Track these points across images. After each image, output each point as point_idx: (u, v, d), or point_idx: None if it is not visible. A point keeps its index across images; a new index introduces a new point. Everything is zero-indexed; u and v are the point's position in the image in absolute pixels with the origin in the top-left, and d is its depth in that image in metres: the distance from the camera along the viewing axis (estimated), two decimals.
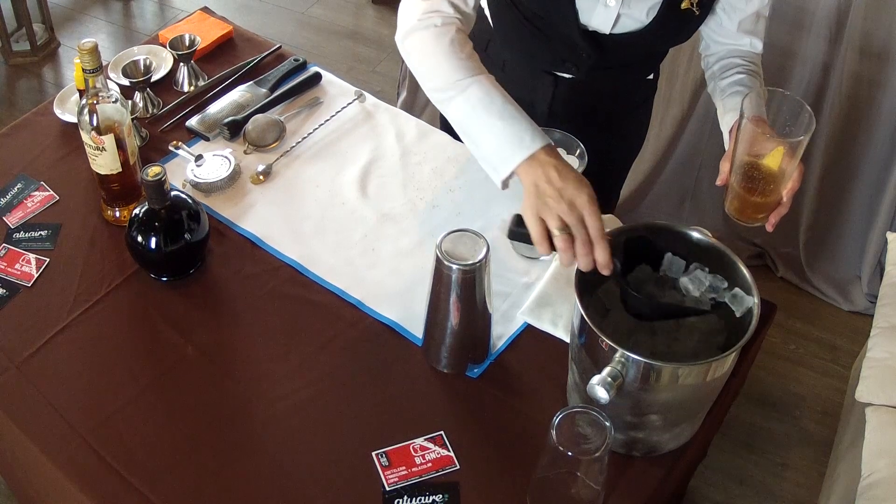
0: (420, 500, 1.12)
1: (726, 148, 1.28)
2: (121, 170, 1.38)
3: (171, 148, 1.55)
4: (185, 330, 1.30)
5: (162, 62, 1.71)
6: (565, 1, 1.30)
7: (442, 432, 1.19)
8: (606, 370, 1.03)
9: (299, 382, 1.24)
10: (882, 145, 2.28)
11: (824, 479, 1.97)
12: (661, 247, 1.17)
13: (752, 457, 2.13)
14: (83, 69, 1.29)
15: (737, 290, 1.13)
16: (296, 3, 3.49)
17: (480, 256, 1.14)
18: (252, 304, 1.34)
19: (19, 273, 1.37)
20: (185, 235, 1.32)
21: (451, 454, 1.17)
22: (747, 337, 1.05)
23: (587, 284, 1.13)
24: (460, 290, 1.16)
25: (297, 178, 1.54)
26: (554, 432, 1.01)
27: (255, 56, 1.76)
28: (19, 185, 1.51)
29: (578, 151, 1.38)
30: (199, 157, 1.52)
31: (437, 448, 1.17)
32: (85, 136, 1.35)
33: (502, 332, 1.31)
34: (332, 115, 1.64)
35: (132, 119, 1.49)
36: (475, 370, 1.27)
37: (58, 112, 1.61)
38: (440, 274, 1.15)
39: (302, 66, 1.74)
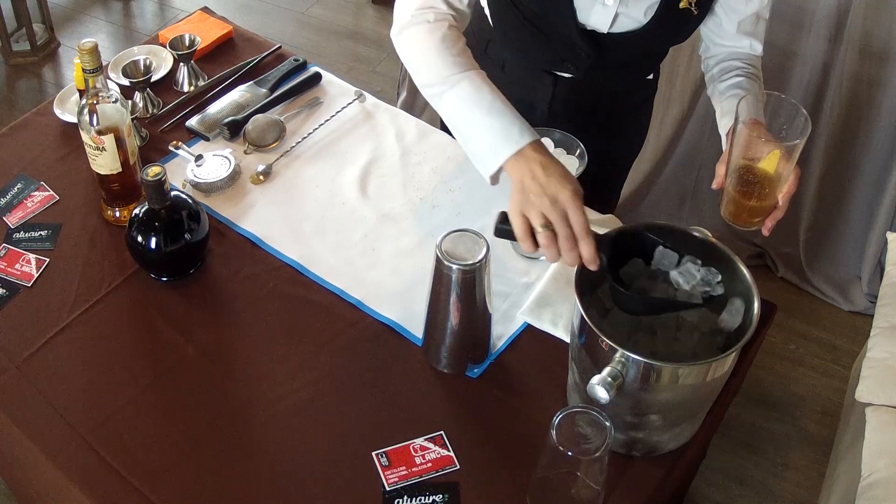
0: (420, 500, 1.12)
1: (724, 151, 1.29)
2: (121, 170, 1.38)
3: (171, 148, 1.55)
4: (185, 330, 1.30)
5: (162, 62, 1.71)
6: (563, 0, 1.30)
7: (442, 432, 1.19)
8: (606, 370, 1.03)
9: (299, 382, 1.24)
10: (882, 145, 2.28)
11: (824, 479, 1.98)
12: (653, 241, 1.16)
13: (752, 457, 2.13)
14: (83, 69, 1.29)
15: (736, 301, 1.12)
16: (296, 3, 3.49)
17: (480, 256, 1.14)
18: (252, 304, 1.34)
19: (19, 273, 1.37)
20: (185, 235, 1.32)
21: (451, 454, 1.17)
22: (747, 337, 1.05)
23: (587, 284, 1.13)
24: (460, 290, 1.16)
25: (297, 178, 1.54)
26: (554, 432, 1.01)
27: (255, 56, 1.76)
28: (19, 185, 1.51)
29: (578, 151, 1.38)
30: (199, 157, 1.52)
31: (437, 448, 1.17)
32: (85, 136, 1.35)
33: (502, 332, 1.31)
34: (332, 115, 1.64)
35: (132, 119, 1.49)
36: (475, 370, 1.27)
37: (58, 112, 1.61)
38: (440, 274, 1.15)
39: (302, 66, 1.74)
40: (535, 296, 1.34)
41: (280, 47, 1.80)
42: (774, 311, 1.38)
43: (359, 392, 1.24)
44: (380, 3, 3.44)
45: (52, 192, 1.50)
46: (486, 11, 1.47)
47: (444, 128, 1.66)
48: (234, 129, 1.59)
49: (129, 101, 1.61)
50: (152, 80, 1.65)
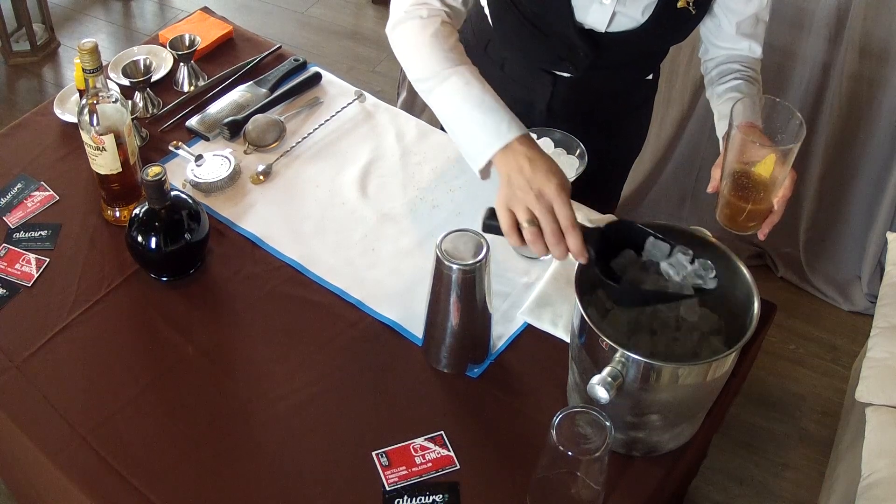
0: (420, 500, 1.12)
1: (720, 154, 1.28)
2: (121, 170, 1.38)
3: (171, 148, 1.55)
4: (185, 330, 1.30)
5: (162, 62, 1.71)
6: None
7: (442, 432, 1.19)
8: (606, 370, 1.03)
9: (299, 382, 1.24)
10: (882, 145, 2.28)
11: (824, 479, 1.98)
12: (644, 232, 1.15)
13: (752, 457, 2.13)
14: (83, 69, 1.29)
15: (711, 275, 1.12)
16: (296, 3, 3.49)
17: (480, 256, 1.14)
18: (252, 304, 1.34)
19: (19, 273, 1.37)
20: (185, 235, 1.32)
21: (451, 454, 1.17)
22: (747, 337, 1.05)
23: (587, 284, 1.13)
24: (460, 290, 1.16)
25: (297, 178, 1.54)
26: (554, 432, 1.01)
27: (255, 56, 1.76)
28: (19, 185, 1.51)
29: (578, 151, 1.38)
30: (199, 157, 1.52)
31: (437, 448, 1.17)
32: (85, 136, 1.35)
33: (502, 332, 1.31)
34: (332, 115, 1.64)
35: (132, 119, 1.49)
36: (475, 370, 1.27)
37: (58, 112, 1.61)
38: (440, 274, 1.15)
39: (302, 66, 1.74)
40: (535, 296, 1.34)
41: (280, 47, 1.80)
42: (774, 311, 1.38)
43: (359, 392, 1.24)
44: (380, 3, 3.44)
45: (52, 192, 1.50)
46: (486, 11, 1.47)
47: (444, 128, 1.66)
48: (234, 129, 1.59)
49: (129, 101, 1.61)
50: (152, 80, 1.65)
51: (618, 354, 1.03)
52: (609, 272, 1.12)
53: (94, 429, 1.19)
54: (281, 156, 1.56)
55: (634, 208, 2.60)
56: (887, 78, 2.19)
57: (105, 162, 1.37)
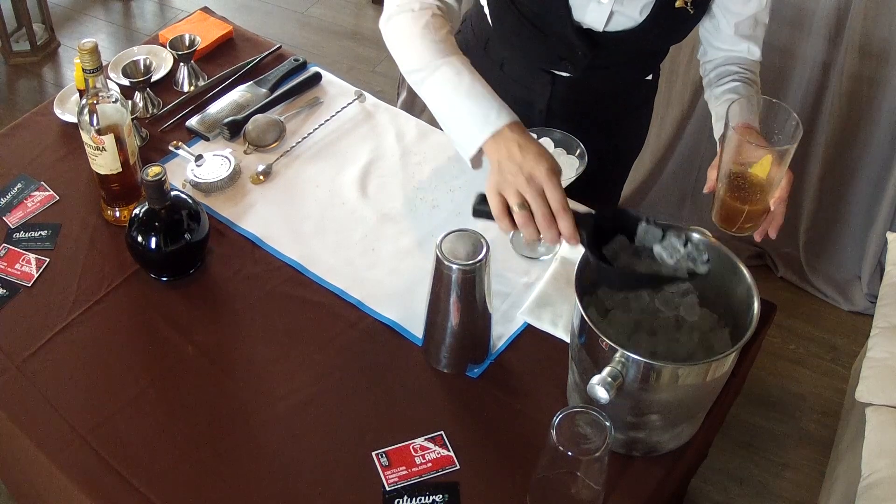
0: (420, 500, 1.12)
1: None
2: (121, 170, 1.38)
3: (171, 148, 1.55)
4: (185, 330, 1.30)
5: (162, 62, 1.71)
6: None
7: (442, 432, 1.19)
8: (606, 370, 1.03)
9: (299, 382, 1.24)
10: (882, 145, 2.28)
11: (824, 479, 1.98)
12: (636, 218, 1.14)
13: (752, 457, 2.13)
14: (83, 69, 1.29)
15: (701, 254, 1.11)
16: (296, 3, 3.49)
17: (480, 256, 1.14)
18: (252, 304, 1.34)
19: (19, 273, 1.37)
20: (185, 235, 1.32)
21: (451, 454, 1.17)
22: (747, 337, 1.05)
23: (587, 284, 1.13)
24: (460, 290, 1.16)
25: (297, 178, 1.54)
26: (554, 432, 1.01)
27: (255, 56, 1.76)
28: (19, 185, 1.51)
29: (578, 151, 1.37)
30: (199, 157, 1.52)
31: (437, 448, 1.17)
32: (85, 136, 1.35)
33: (502, 332, 1.31)
34: (332, 115, 1.64)
35: (132, 119, 1.49)
36: (475, 370, 1.27)
37: (58, 112, 1.61)
38: (440, 274, 1.16)
39: (302, 66, 1.74)
40: (535, 296, 1.34)
41: (280, 47, 1.80)
42: (774, 311, 1.38)
43: (359, 392, 1.24)
44: (380, 3, 3.44)
45: (52, 192, 1.50)
46: (486, 11, 1.47)
47: (435, 118, 1.66)
48: (234, 129, 1.59)
49: (129, 101, 1.61)
50: (152, 80, 1.64)
51: (618, 354, 1.03)
52: (602, 258, 1.11)
53: (94, 429, 1.19)
54: (281, 156, 1.56)
55: (635, 208, 2.60)
56: (887, 78, 2.19)
57: (105, 162, 1.37)
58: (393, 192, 1.52)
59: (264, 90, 1.67)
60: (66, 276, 1.37)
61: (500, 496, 1.13)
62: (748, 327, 1.06)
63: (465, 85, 1.20)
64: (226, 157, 1.53)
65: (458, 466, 1.16)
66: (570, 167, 1.34)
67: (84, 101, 1.33)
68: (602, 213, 1.13)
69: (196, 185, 1.49)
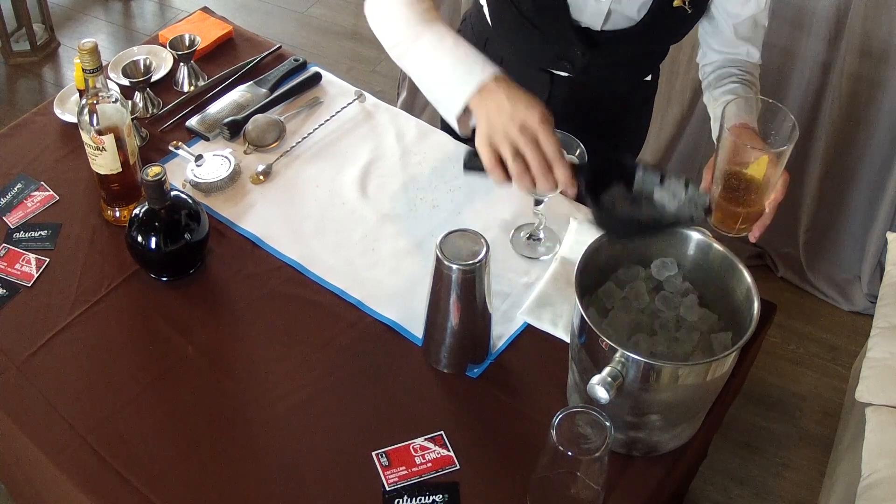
0: (420, 500, 1.12)
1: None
2: (121, 170, 1.38)
3: (171, 148, 1.55)
4: (185, 330, 1.30)
5: (162, 62, 1.71)
6: None
7: (442, 432, 1.19)
8: (606, 370, 1.03)
9: (299, 382, 1.24)
10: (882, 145, 2.28)
11: (824, 479, 1.98)
12: (633, 166, 1.12)
13: (752, 457, 2.13)
14: (83, 69, 1.29)
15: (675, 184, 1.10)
16: (296, 3, 3.49)
17: (480, 256, 1.14)
18: (252, 304, 1.34)
19: (19, 273, 1.37)
20: (185, 235, 1.32)
21: (451, 454, 1.17)
22: (747, 337, 1.05)
23: (587, 284, 1.13)
24: (460, 290, 1.16)
25: (297, 178, 1.54)
26: (554, 432, 1.01)
27: (255, 56, 1.76)
28: (19, 185, 1.51)
29: (578, 151, 1.37)
30: (199, 157, 1.52)
31: (437, 448, 1.17)
32: (85, 136, 1.35)
33: (502, 332, 1.31)
34: (332, 115, 1.64)
35: (132, 119, 1.49)
36: (475, 370, 1.27)
37: (58, 112, 1.61)
38: (440, 274, 1.16)
39: (302, 66, 1.74)
40: (535, 296, 1.34)
41: (280, 47, 1.80)
42: (774, 311, 1.38)
43: (359, 392, 1.24)
44: None
45: (52, 192, 1.50)
46: (485, 11, 1.47)
47: (444, 128, 1.66)
48: (234, 129, 1.59)
49: (129, 101, 1.61)
50: (152, 80, 1.64)
51: (618, 354, 1.03)
52: (600, 206, 1.09)
53: (94, 429, 1.19)
54: (281, 156, 1.56)
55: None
56: (887, 78, 2.19)
57: (105, 162, 1.37)
58: (393, 192, 1.52)
59: (264, 90, 1.67)
60: (66, 276, 1.37)
61: (500, 496, 1.13)
62: (748, 327, 1.06)
63: (448, 46, 1.17)
64: (226, 157, 1.53)
65: (458, 466, 1.16)
66: None
67: (84, 101, 1.33)
68: (598, 161, 1.11)
69: (196, 185, 1.49)
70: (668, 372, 1.05)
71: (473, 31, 1.53)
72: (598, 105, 1.53)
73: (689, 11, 1.32)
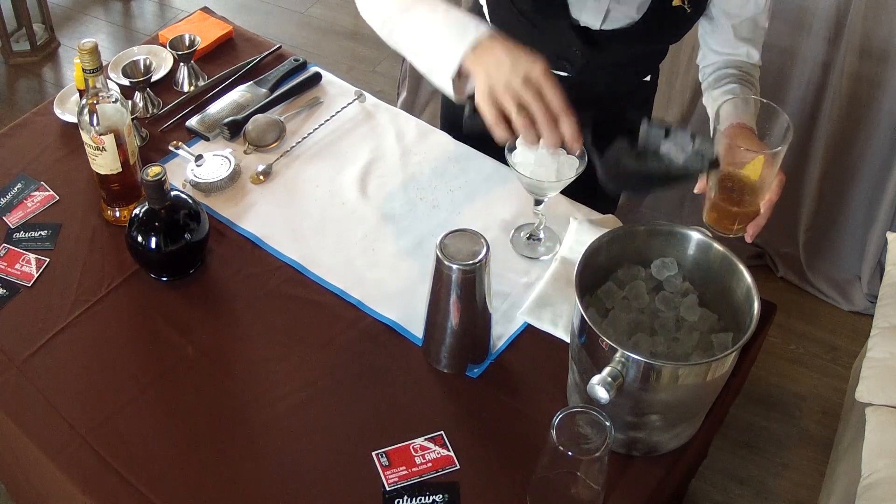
0: (420, 500, 1.12)
1: None
2: (121, 170, 1.38)
3: (171, 148, 1.55)
4: (185, 330, 1.30)
5: (162, 62, 1.71)
6: None
7: (442, 432, 1.19)
8: (606, 370, 1.03)
9: (299, 382, 1.24)
10: (882, 145, 2.28)
11: (824, 479, 1.98)
12: (635, 122, 1.10)
13: (752, 457, 2.13)
14: (83, 69, 1.29)
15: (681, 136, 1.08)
16: (296, 3, 3.49)
17: (480, 256, 1.14)
18: (252, 304, 1.34)
19: (19, 273, 1.37)
20: (185, 235, 1.32)
21: (451, 454, 1.17)
22: (747, 337, 1.05)
23: (587, 284, 1.13)
24: (460, 290, 1.16)
25: (297, 178, 1.54)
26: (554, 432, 1.01)
27: (255, 56, 1.76)
28: (19, 185, 1.51)
29: (579, 151, 1.37)
30: (199, 157, 1.52)
31: (437, 448, 1.17)
32: (85, 136, 1.35)
33: (502, 332, 1.31)
34: (332, 115, 1.64)
35: (132, 119, 1.49)
36: (475, 370, 1.27)
37: (58, 112, 1.61)
38: (440, 274, 1.16)
39: (302, 66, 1.74)
40: (535, 296, 1.34)
41: (280, 47, 1.80)
42: (774, 311, 1.38)
43: (359, 392, 1.24)
44: None
45: (52, 192, 1.50)
46: (485, 10, 1.47)
47: (445, 128, 1.66)
48: (234, 129, 1.59)
49: (129, 101, 1.61)
50: (152, 80, 1.64)
51: (618, 354, 1.03)
52: (601, 157, 1.06)
53: (94, 429, 1.19)
54: (281, 156, 1.56)
55: (635, 208, 2.60)
56: (887, 78, 2.19)
57: (105, 162, 1.37)
58: (393, 192, 1.52)
59: (264, 90, 1.67)
60: (66, 276, 1.37)
61: (500, 496, 1.13)
62: (748, 327, 1.06)
63: (440, 13, 1.15)
64: (226, 157, 1.53)
65: (458, 466, 1.16)
66: (571, 167, 1.33)
67: (84, 101, 1.33)
68: (602, 115, 1.08)
69: (196, 185, 1.49)
70: (668, 372, 1.05)
71: None
72: (597, 105, 1.52)
73: (688, 11, 1.32)
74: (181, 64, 1.69)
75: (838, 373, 2.31)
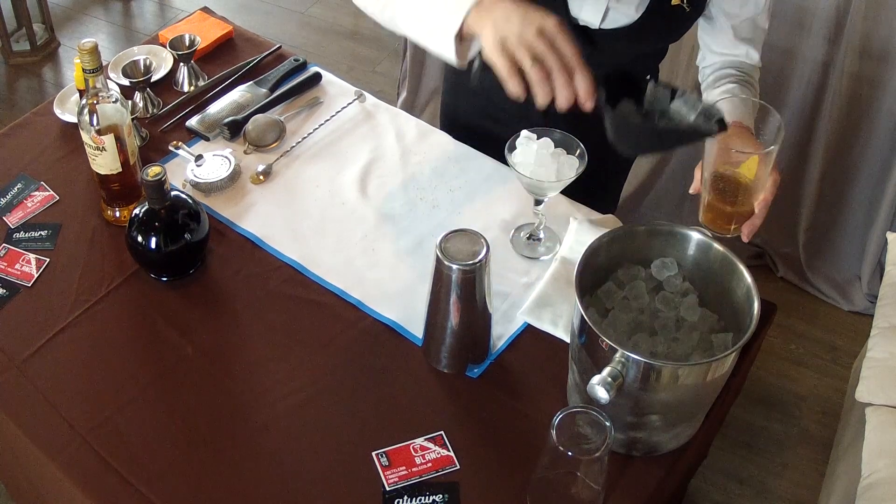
0: (420, 500, 1.12)
1: None
2: (121, 170, 1.38)
3: (171, 148, 1.55)
4: (185, 330, 1.30)
5: (162, 62, 1.71)
6: None
7: (442, 432, 1.19)
8: (606, 370, 1.03)
9: (299, 382, 1.24)
10: (882, 145, 2.28)
11: (824, 479, 1.98)
12: (640, 83, 1.07)
13: (752, 457, 2.13)
14: (83, 69, 1.29)
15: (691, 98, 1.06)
16: (296, 3, 3.49)
17: (480, 256, 1.14)
18: (252, 304, 1.34)
19: (19, 273, 1.37)
20: (185, 235, 1.32)
21: (451, 454, 1.17)
22: (747, 337, 1.05)
23: (587, 284, 1.13)
24: (460, 290, 1.16)
25: (297, 178, 1.54)
26: (554, 432, 1.01)
27: (255, 56, 1.76)
28: (19, 185, 1.51)
29: (578, 151, 1.37)
30: (199, 157, 1.52)
31: (437, 448, 1.17)
32: (85, 136, 1.35)
33: (502, 332, 1.31)
34: (332, 115, 1.64)
35: (132, 119, 1.49)
36: (475, 370, 1.27)
37: (58, 112, 1.61)
38: (440, 274, 1.16)
39: (302, 66, 1.74)
40: (535, 296, 1.34)
41: (280, 47, 1.80)
42: (774, 311, 1.38)
43: (359, 392, 1.24)
44: None
45: (52, 192, 1.50)
46: None
47: (444, 128, 1.66)
48: (234, 129, 1.59)
49: (129, 101, 1.61)
50: (152, 80, 1.64)
51: (618, 354, 1.03)
52: (613, 110, 1.03)
53: (94, 429, 1.19)
54: (281, 156, 1.56)
55: (634, 208, 2.60)
56: (887, 78, 2.19)
57: (105, 162, 1.37)
58: (393, 192, 1.52)
59: (264, 90, 1.67)
60: (66, 276, 1.37)
61: (500, 496, 1.13)
62: (748, 327, 1.06)
63: None
64: (226, 157, 1.53)
65: (458, 466, 1.16)
66: (571, 167, 1.34)
67: (84, 101, 1.33)
68: (614, 74, 1.05)
69: (196, 185, 1.49)
70: (668, 372, 1.05)
71: None
72: (596, 105, 1.52)
73: (687, 10, 1.32)
74: (181, 64, 1.69)
75: (838, 373, 2.31)
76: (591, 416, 1.04)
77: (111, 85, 1.36)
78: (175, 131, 1.61)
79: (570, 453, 1.00)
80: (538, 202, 1.36)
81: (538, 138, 1.34)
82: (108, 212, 1.45)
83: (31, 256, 1.39)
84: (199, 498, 1.13)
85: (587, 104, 1.01)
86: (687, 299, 1.16)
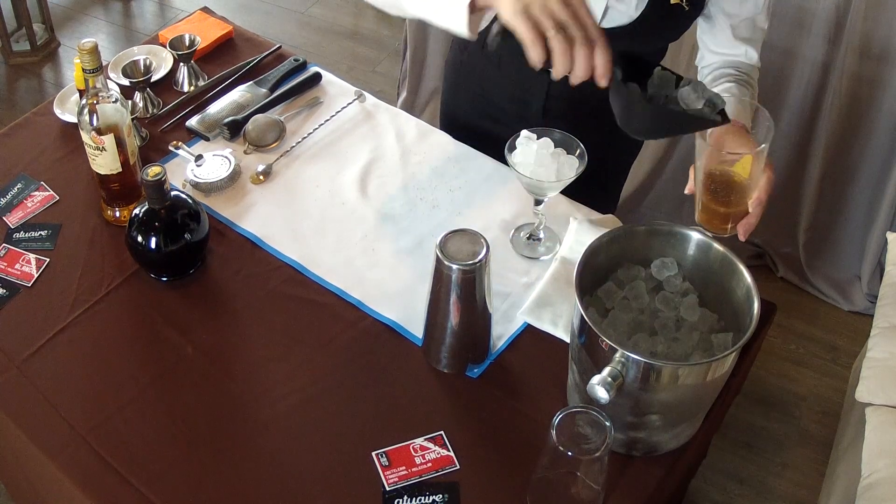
0: (420, 500, 1.12)
1: None
2: (121, 170, 1.38)
3: (171, 148, 1.55)
4: (185, 330, 1.30)
5: (162, 62, 1.71)
6: None
7: (442, 432, 1.19)
8: (606, 370, 1.03)
9: (299, 382, 1.24)
10: (882, 145, 2.28)
11: (824, 479, 1.98)
12: (647, 67, 1.07)
13: (752, 457, 2.13)
14: (83, 69, 1.29)
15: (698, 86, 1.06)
16: (296, 3, 3.49)
17: (480, 256, 1.14)
18: (252, 304, 1.34)
19: (19, 273, 1.37)
20: (185, 235, 1.32)
21: (451, 454, 1.17)
22: (747, 337, 1.05)
23: (587, 284, 1.13)
24: (460, 290, 1.16)
25: (297, 178, 1.54)
26: (554, 432, 1.01)
27: (255, 56, 1.76)
28: (19, 185, 1.51)
29: (578, 151, 1.37)
30: (199, 157, 1.52)
31: (437, 448, 1.17)
32: (85, 136, 1.35)
33: (502, 332, 1.31)
34: (332, 115, 1.64)
35: (132, 119, 1.49)
36: (475, 370, 1.27)
37: (58, 112, 1.61)
38: (440, 274, 1.16)
39: (302, 66, 1.74)
40: (535, 296, 1.34)
41: (280, 47, 1.80)
42: (774, 311, 1.38)
43: (359, 392, 1.24)
44: None
45: (52, 192, 1.50)
46: None
47: (444, 128, 1.66)
48: (234, 129, 1.59)
49: (129, 101, 1.61)
50: (152, 80, 1.64)
51: (618, 354, 1.03)
52: (625, 86, 1.02)
53: (94, 429, 1.19)
54: (281, 156, 1.56)
55: (634, 208, 2.60)
56: (887, 78, 2.19)
57: (105, 162, 1.37)
58: (393, 192, 1.52)
59: (264, 90, 1.67)
60: (66, 276, 1.37)
61: (500, 496, 1.13)
62: (748, 327, 1.06)
63: None
64: (226, 157, 1.53)
65: (458, 466, 1.16)
66: (570, 167, 1.34)
67: (84, 101, 1.33)
68: (623, 53, 1.04)
69: (196, 185, 1.49)
70: (668, 372, 1.05)
71: None
72: (596, 105, 1.52)
73: (687, 9, 1.32)
74: (181, 64, 1.69)
75: (838, 373, 2.31)
76: (591, 416, 1.04)
77: (111, 85, 1.36)
78: (175, 131, 1.61)
79: (570, 453, 1.00)
80: (538, 202, 1.36)
81: (538, 138, 1.34)
82: (108, 212, 1.45)
83: (31, 256, 1.39)
84: (199, 498, 1.13)
85: (602, 81, 1.00)
86: (687, 299, 1.16)
